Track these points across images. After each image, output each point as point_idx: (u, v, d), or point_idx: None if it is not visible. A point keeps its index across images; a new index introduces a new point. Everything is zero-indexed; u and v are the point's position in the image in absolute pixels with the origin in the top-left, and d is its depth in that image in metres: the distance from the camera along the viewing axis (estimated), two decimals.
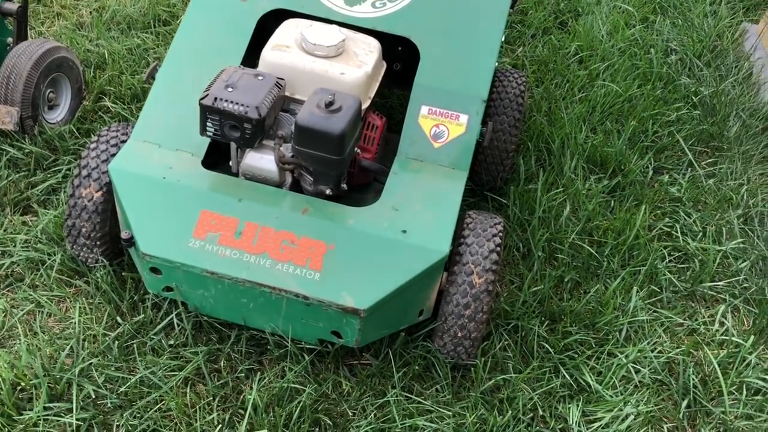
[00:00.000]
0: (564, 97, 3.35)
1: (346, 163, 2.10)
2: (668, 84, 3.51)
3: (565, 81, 3.45)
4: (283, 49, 2.24)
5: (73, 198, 2.19)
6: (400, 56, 2.60)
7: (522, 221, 2.71)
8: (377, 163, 2.36)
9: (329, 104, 2.03)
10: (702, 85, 3.51)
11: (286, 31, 2.30)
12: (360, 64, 2.25)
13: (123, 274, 2.27)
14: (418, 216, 2.11)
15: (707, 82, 3.54)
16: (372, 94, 2.30)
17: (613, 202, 2.88)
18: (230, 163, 2.23)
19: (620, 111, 3.32)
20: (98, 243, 2.24)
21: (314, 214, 2.08)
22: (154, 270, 2.05)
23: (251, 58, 2.38)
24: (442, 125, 2.29)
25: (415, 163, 2.25)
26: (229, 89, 2.04)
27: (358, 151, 2.30)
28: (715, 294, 2.58)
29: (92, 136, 2.80)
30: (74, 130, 2.80)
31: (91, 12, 3.49)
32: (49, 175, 2.65)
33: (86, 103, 2.96)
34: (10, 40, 2.81)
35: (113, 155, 2.21)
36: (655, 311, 2.48)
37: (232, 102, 2.01)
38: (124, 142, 2.25)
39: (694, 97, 3.43)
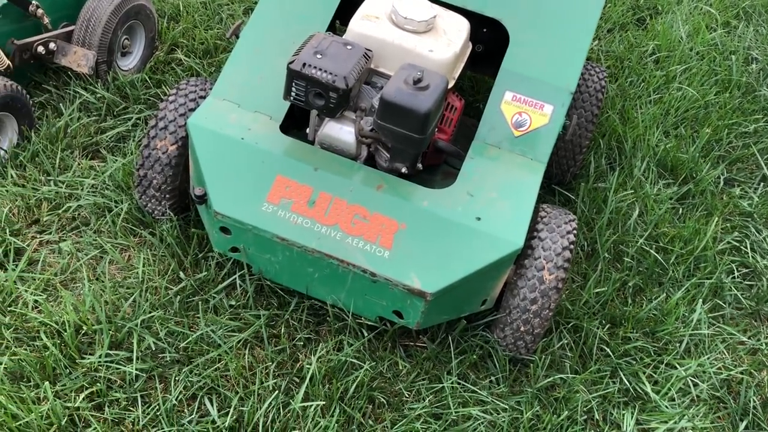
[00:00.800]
0: (638, 96, 3.26)
1: (426, 142, 2.06)
2: (747, 94, 3.40)
3: (641, 80, 3.35)
4: (372, 19, 2.19)
5: (147, 149, 2.18)
6: (483, 38, 2.54)
7: (589, 219, 2.65)
8: (451, 141, 2.31)
9: (417, 81, 1.98)
10: None
11: (377, 2, 2.25)
12: (449, 43, 2.20)
13: (191, 231, 2.26)
14: (493, 204, 2.06)
15: None
16: (457, 75, 2.25)
17: (681, 209, 2.81)
18: (307, 130, 2.21)
19: (695, 117, 3.22)
20: (167, 196, 2.23)
21: (388, 191, 2.05)
22: (224, 230, 2.04)
23: (333, 22, 2.34)
24: (525, 113, 2.24)
25: (493, 150, 2.20)
26: (318, 56, 2.01)
27: (436, 130, 2.26)
28: None
29: (163, 87, 2.80)
30: (146, 79, 2.79)
31: None
32: (119, 122, 2.64)
33: (159, 53, 2.95)
34: None
35: (191, 110, 2.19)
36: (717, 326, 2.42)
37: (320, 69, 1.98)
38: (202, 98, 2.23)
39: None
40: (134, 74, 2.82)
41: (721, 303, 2.48)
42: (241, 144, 2.08)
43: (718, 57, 3.56)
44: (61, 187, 2.39)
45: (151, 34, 2.91)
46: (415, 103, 1.96)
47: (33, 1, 2.54)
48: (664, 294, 2.47)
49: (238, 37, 2.30)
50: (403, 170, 2.12)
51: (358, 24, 2.18)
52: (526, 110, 2.24)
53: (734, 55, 3.59)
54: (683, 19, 3.75)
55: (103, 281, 2.14)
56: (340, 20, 2.51)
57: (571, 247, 2.06)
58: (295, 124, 2.29)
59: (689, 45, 3.60)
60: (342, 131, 2.12)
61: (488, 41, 2.53)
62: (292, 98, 2.05)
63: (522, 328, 2.06)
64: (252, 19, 2.31)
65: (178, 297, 2.12)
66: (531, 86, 2.24)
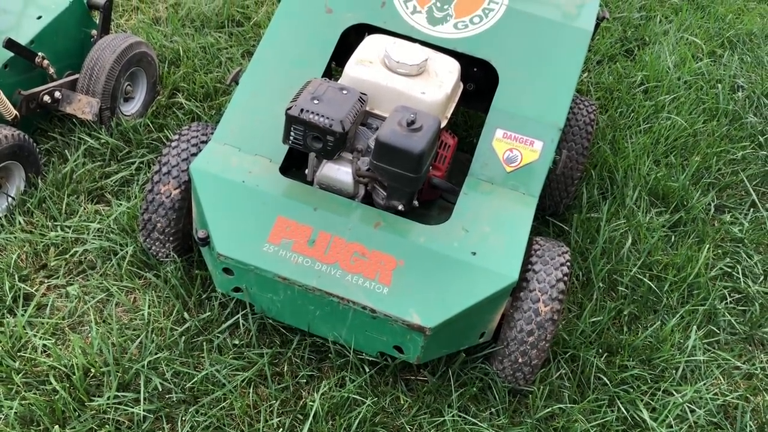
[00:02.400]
0: (628, 126, 3.35)
1: (421, 181, 2.13)
2: (734, 121, 3.48)
3: (630, 110, 3.43)
4: (366, 64, 2.28)
5: (151, 193, 2.25)
6: (474, 77, 2.63)
7: (583, 249, 2.71)
8: (446, 177, 2.38)
9: (411, 123, 2.06)
10: None
11: (370, 47, 2.34)
12: (440, 84, 2.28)
13: (195, 272, 2.32)
14: (487, 239, 2.13)
15: None
16: (449, 114, 2.33)
17: (674, 237, 2.87)
18: (306, 171, 2.28)
19: (684, 145, 3.30)
20: (171, 238, 2.30)
21: (386, 228, 2.11)
22: (227, 270, 2.09)
23: (329, 65, 2.43)
24: (516, 150, 2.31)
25: (486, 185, 2.27)
26: (315, 101, 2.08)
27: (430, 168, 2.33)
28: None
29: (165, 131, 2.88)
30: (149, 123, 2.87)
31: (167, 8, 3.57)
32: (122, 167, 2.72)
33: (160, 98, 3.03)
34: (94, 32, 2.89)
35: (193, 155, 2.27)
36: (712, 352, 2.47)
37: (317, 114, 2.06)
38: (204, 142, 2.30)
39: (760, 137, 3.40)
40: (137, 119, 2.91)
41: (715, 329, 2.53)
42: (242, 187, 2.15)
43: (705, 86, 3.65)
44: (68, 232, 2.45)
45: (152, 79, 3.00)
46: (409, 144, 2.03)
47: (39, 53, 2.63)
48: (659, 321, 2.52)
49: (237, 83, 2.38)
50: (400, 207, 2.19)
51: (353, 69, 2.27)
52: (517, 147, 2.31)
53: (720, 83, 3.68)
54: (670, 50, 3.85)
55: (110, 324, 2.20)
56: (336, 62, 2.60)
57: (565, 278, 2.12)
58: (294, 164, 2.36)
59: (677, 75, 3.69)
60: (340, 172, 2.19)
61: (479, 80, 2.62)
62: (290, 142, 2.13)
63: (520, 360, 2.11)
64: (250, 66, 2.40)
65: (183, 337, 2.17)
66: (521, 123, 2.32)
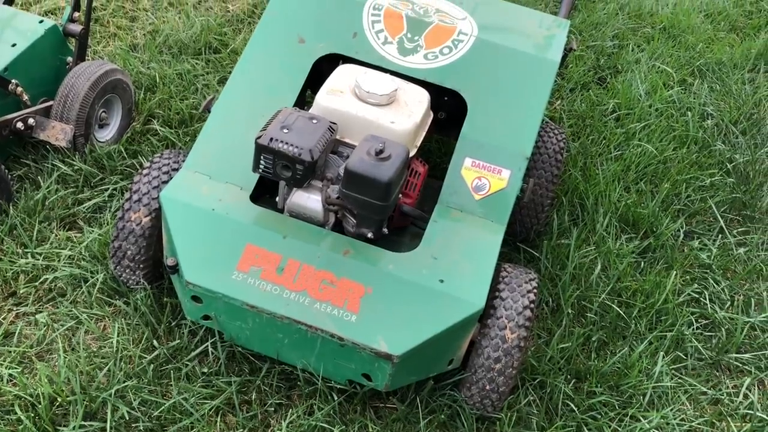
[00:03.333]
0: (600, 153, 3.40)
1: (390, 209, 2.16)
2: (703, 148, 3.55)
3: (602, 138, 3.49)
4: (337, 94, 2.31)
5: (122, 221, 2.25)
6: (445, 105, 2.67)
7: (553, 276, 2.74)
8: (417, 208, 2.41)
9: (379, 152, 2.09)
10: (737, 152, 3.55)
11: (341, 77, 2.37)
12: (409, 114, 2.32)
13: (165, 300, 2.32)
14: (455, 266, 2.15)
15: (742, 149, 3.57)
16: (419, 143, 2.36)
17: (643, 263, 2.91)
18: (276, 199, 2.30)
19: (655, 172, 3.36)
20: (141, 266, 2.30)
21: (355, 256, 2.13)
22: (195, 298, 2.10)
23: (301, 93, 2.46)
24: (484, 178, 2.35)
25: (455, 213, 2.30)
26: (285, 130, 2.11)
27: (400, 196, 2.36)
28: (740, 365, 2.59)
29: (139, 157, 2.89)
30: (122, 150, 2.88)
31: (145, 34, 3.60)
32: (95, 193, 2.72)
33: (135, 124, 3.05)
34: (70, 59, 2.91)
35: (164, 182, 2.28)
36: (679, 378, 2.50)
37: (286, 143, 2.08)
38: (175, 170, 2.32)
39: (728, 164, 3.46)
40: (111, 145, 2.92)
41: (682, 355, 2.56)
42: (212, 215, 2.16)
43: (676, 113, 3.73)
44: (38, 259, 2.45)
45: (128, 105, 3.02)
46: (377, 173, 2.06)
47: (13, 80, 2.64)
48: (628, 347, 2.54)
49: (209, 112, 2.41)
50: (369, 235, 2.21)
51: (323, 98, 2.30)
52: (485, 175, 2.35)
53: (690, 111, 3.76)
54: (641, 78, 3.93)
55: (78, 352, 2.19)
56: (310, 89, 2.64)
57: (532, 306, 2.14)
58: (266, 191, 2.38)
59: (648, 102, 3.76)
60: (309, 200, 2.21)
61: (450, 108, 2.66)
62: (260, 170, 2.15)
63: (487, 387, 2.13)
64: (223, 94, 2.42)
65: (152, 365, 2.17)
66: (489, 152, 2.36)
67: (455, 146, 2.39)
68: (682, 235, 3.09)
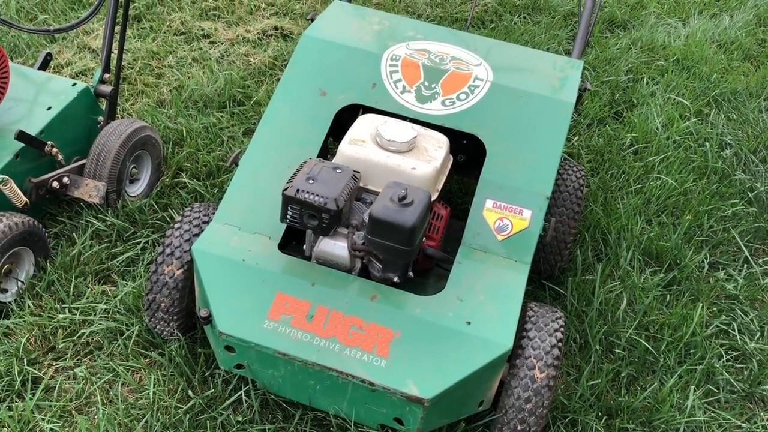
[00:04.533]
0: (620, 188, 3.43)
1: (414, 253, 2.21)
2: (723, 179, 3.57)
3: (621, 172, 3.53)
4: (359, 143, 2.39)
5: (155, 274, 2.33)
6: (464, 149, 2.73)
7: (579, 312, 2.76)
8: (441, 249, 2.46)
9: (402, 198, 2.15)
10: (758, 181, 3.55)
11: (362, 126, 2.45)
12: (430, 160, 2.38)
13: (198, 350, 2.38)
14: (482, 307, 2.19)
15: (763, 178, 3.58)
16: (440, 187, 2.42)
17: (669, 296, 2.91)
18: (304, 247, 2.36)
19: (675, 204, 3.37)
20: (175, 317, 2.37)
21: (382, 301, 2.18)
22: (229, 348, 2.15)
23: (324, 143, 2.54)
24: (506, 219, 2.39)
25: (478, 254, 2.35)
26: (310, 181, 2.18)
27: (424, 239, 2.41)
28: None
29: (169, 210, 2.98)
30: (153, 204, 2.97)
31: (170, 90, 3.73)
32: (128, 247, 2.81)
33: (164, 178, 3.15)
34: (101, 118, 3.03)
35: (195, 235, 2.35)
36: (712, 412, 2.48)
37: (312, 194, 2.15)
38: (205, 223, 2.39)
39: (749, 193, 3.47)
40: (142, 199, 3.02)
41: (714, 388, 2.55)
42: (242, 265, 2.23)
43: (693, 145, 3.76)
44: (76, 314, 2.53)
45: (157, 160, 3.13)
46: (401, 219, 2.12)
47: (48, 142, 2.76)
48: (658, 382, 2.54)
49: (237, 165, 2.49)
50: (396, 279, 2.25)
51: (346, 147, 2.38)
52: (507, 216, 2.39)
53: (708, 142, 3.78)
54: (657, 111, 3.97)
55: (116, 404, 2.24)
56: (333, 137, 2.73)
57: (560, 344, 2.16)
58: (294, 238, 2.44)
59: (665, 135, 3.80)
60: (336, 247, 2.27)
61: (469, 151, 2.73)
62: (288, 221, 2.22)
63: (519, 427, 2.14)
64: (250, 147, 2.51)
65: (188, 415, 2.21)
66: (509, 193, 2.41)
67: (476, 188, 2.44)
68: (706, 267, 3.09)
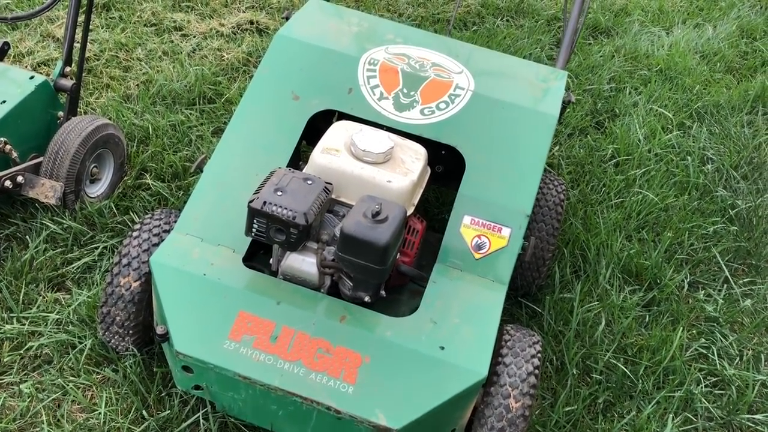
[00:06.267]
0: (600, 201, 3.35)
1: (387, 272, 2.09)
2: (705, 195, 3.50)
3: (602, 185, 3.45)
4: (333, 152, 2.26)
5: (110, 286, 2.18)
6: (442, 159, 2.62)
7: (556, 332, 2.66)
8: (415, 263, 2.34)
9: (376, 214, 2.03)
10: (738, 198, 3.50)
11: (336, 134, 2.32)
12: (406, 172, 2.26)
13: (154, 368, 2.24)
14: (456, 331, 2.08)
15: (744, 195, 3.52)
16: (416, 201, 2.30)
17: (648, 317, 2.83)
18: (270, 261, 2.23)
19: (656, 220, 3.30)
20: (131, 332, 2.22)
21: (351, 322, 2.06)
22: (186, 368, 2.02)
23: (296, 149, 2.41)
24: (484, 236, 2.28)
25: (454, 272, 2.24)
26: (279, 193, 2.05)
27: (398, 255, 2.29)
28: (753, 426, 2.50)
29: (131, 213, 2.83)
30: (113, 207, 2.82)
31: (138, 85, 3.57)
32: (85, 252, 2.65)
33: (127, 179, 2.99)
34: (60, 114, 2.86)
35: (155, 245, 2.21)
36: None
37: (280, 206, 2.02)
38: (166, 232, 2.25)
39: (730, 210, 3.41)
40: (102, 201, 2.86)
41: (692, 416, 2.48)
42: (203, 280, 2.09)
43: (675, 158, 3.69)
44: (25, 324, 2.37)
45: (120, 160, 2.97)
46: (374, 236, 2.00)
47: (1, 138, 2.59)
48: (635, 409, 2.46)
49: (202, 171, 2.35)
50: (366, 299, 2.13)
51: (319, 157, 2.25)
52: (485, 233, 2.29)
53: (690, 156, 3.72)
54: (640, 122, 3.90)
55: (62, 426, 2.10)
56: (306, 141, 2.60)
57: (536, 372, 2.06)
58: (260, 248, 2.31)
59: (647, 147, 3.73)
60: (304, 263, 2.14)
61: (447, 162, 2.61)
62: (253, 234, 2.08)
63: None
64: (216, 152, 2.37)
65: None
66: (488, 210, 2.30)
67: (454, 203, 2.33)
68: (686, 286, 3.02)
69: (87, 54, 3.63)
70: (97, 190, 2.92)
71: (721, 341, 2.78)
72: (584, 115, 3.94)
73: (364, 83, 2.51)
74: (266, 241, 2.09)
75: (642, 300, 2.90)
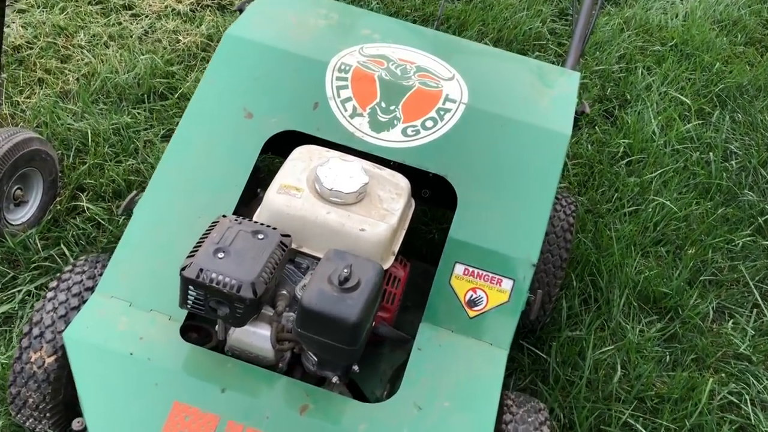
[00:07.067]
0: (612, 210, 2.92)
1: (359, 352, 1.67)
2: (730, 199, 3.08)
3: (614, 190, 3.02)
4: (292, 192, 1.81)
5: (19, 362, 1.76)
6: (430, 182, 2.18)
7: (564, 383, 2.27)
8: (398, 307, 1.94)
9: (344, 281, 1.60)
10: None
11: (297, 165, 1.88)
12: (384, 215, 1.83)
13: None
14: (446, 419, 1.68)
15: None
16: (396, 249, 1.87)
17: (668, 356, 2.45)
18: (216, 328, 1.81)
19: (676, 232, 2.88)
20: (48, 414, 1.81)
21: (315, 413, 1.65)
22: None
23: (251, 182, 1.97)
24: (480, 290, 1.87)
25: (444, 335, 1.83)
26: (219, 255, 1.62)
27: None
28: None
29: (62, 245, 2.39)
30: (39, 239, 2.37)
31: (78, 78, 3.08)
32: (4, 298, 2.23)
33: (60, 199, 2.54)
34: None
35: (74, 308, 1.79)
36: None
37: (221, 274, 1.59)
38: (89, 290, 1.82)
39: (759, 218, 2.99)
40: (30, 228, 2.42)
41: None
42: (130, 361, 1.67)
43: (695, 154, 3.25)
44: None
45: (50, 177, 2.51)
46: (341, 311, 1.58)
47: None
48: None
49: (131, 215, 1.90)
50: (335, 380, 1.73)
51: (274, 198, 1.80)
52: (481, 286, 1.87)
53: (712, 151, 3.28)
54: (654, 110, 3.44)
55: None
56: (272, 151, 2.16)
57: None
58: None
59: (662, 140, 3.29)
60: (256, 336, 1.72)
61: (436, 185, 2.17)
62: (189, 307, 1.66)
63: None
64: (148, 190, 1.92)
65: None
66: (485, 258, 1.88)
67: (443, 247, 1.90)
68: (711, 313, 2.63)
69: (18, 41, 3.14)
70: (23, 215, 2.46)
71: (755, 384, 2.40)
72: (592, 103, 3.48)
73: (333, 95, 2.05)
74: (206, 315, 1.66)
75: (662, 333, 2.51)
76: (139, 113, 2.94)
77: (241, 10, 2.25)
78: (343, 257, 1.67)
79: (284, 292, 1.77)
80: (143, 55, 3.20)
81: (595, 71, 3.68)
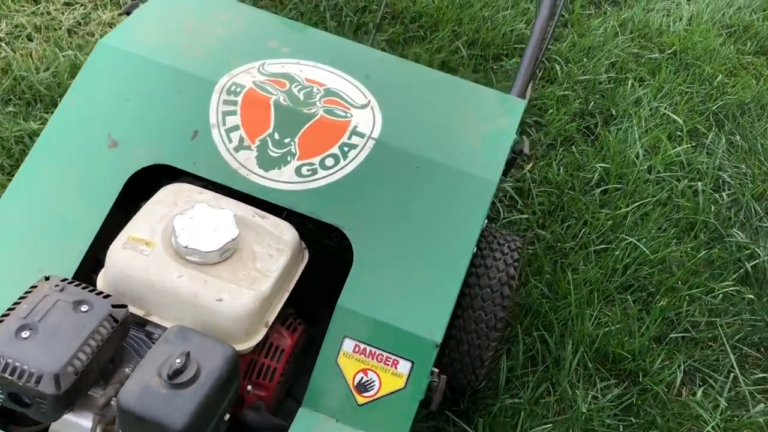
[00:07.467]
0: (576, 249, 2.57)
1: None
2: (715, 239, 2.71)
3: (582, 224, 2.66)
4: (141, 246, 1.49)
5: None
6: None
7: None
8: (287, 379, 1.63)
9: (176, 373, 1.28)
10: (759, 245, 2.70)
11: (157, 211, 1.55)
12: (254, 278, 1.50)
13: None
14: None
15: (765, 241, 2.72)
16: (272, 318, 1.55)
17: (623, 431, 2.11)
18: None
19: (649, 277, 2.52)
20: None
21: None
22: None
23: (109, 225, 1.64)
24: (372, 372, 1.54)
25: (326, 424, 1.51)
26: (24, 334, 1.30)
27: (250, 389, 1.57)
28: None
29: None
30: None
31: None
32: None
33: None
34: None
35: None
36: None
37: (18, 361, 1.27)
38: None
39: (746, 263, 2.62)
40: None
41: None
42: None
43: (682, 182, 2.87)
44: None
45: None
46: (166, 415, 1.26)
47: None
48: None
49: None
50: None
51: (118, 254, 1.48)
52: (374, 367, 1.54)
53: (702, 180, 2.90)
54: (641, 129, 3.06)
55: None
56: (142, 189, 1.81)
57: None
58: None
59: (646, 165, 2.91)
60: (76, 428, 1.40)
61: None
62: None
63: None
64: None
65: None
66: (380, 333, 1.55)
67: (330, 319, 1.57)
68: (679, 378, 2.28)
69: None
70: None
71: None
72: (571, 118, 3.11)
73: (217, 123, 1.71)
74: (17, 408, 1.35)
75: (619, 400, 2.17)
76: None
77: (128, 13, 1.91)
78: (184, 338, 1.35)
79: (127, 370, 1.45)
80: (68, 50, 2.87)
81: (580, 81, 3.29)
